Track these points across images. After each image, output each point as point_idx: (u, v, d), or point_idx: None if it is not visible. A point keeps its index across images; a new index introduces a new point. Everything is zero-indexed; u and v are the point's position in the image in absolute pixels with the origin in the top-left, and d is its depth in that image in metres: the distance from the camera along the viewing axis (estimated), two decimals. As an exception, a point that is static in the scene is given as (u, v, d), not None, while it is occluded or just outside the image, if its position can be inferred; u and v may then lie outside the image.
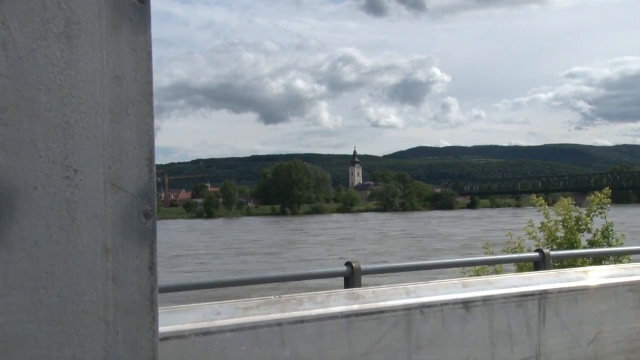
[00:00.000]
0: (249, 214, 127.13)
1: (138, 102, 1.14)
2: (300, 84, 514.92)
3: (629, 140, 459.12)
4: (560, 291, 1.42)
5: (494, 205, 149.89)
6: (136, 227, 1.15)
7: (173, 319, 1.86)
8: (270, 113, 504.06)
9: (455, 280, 1.45)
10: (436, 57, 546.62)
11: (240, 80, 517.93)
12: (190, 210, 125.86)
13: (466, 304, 1.37)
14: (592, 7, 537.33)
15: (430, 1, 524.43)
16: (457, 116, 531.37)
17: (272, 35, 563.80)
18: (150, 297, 1.16)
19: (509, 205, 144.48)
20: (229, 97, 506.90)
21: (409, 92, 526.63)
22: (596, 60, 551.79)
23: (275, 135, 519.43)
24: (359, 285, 4.68)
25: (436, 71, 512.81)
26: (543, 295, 1.41)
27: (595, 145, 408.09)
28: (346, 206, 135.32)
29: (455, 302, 1.32)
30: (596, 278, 1.47)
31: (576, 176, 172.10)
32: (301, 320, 1.69)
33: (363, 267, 4.83)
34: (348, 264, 4.75)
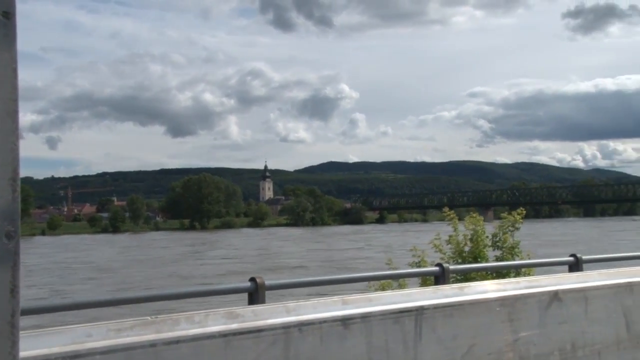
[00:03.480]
0: (157, 228, 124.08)
1: (1, 120, 1.08)
2: (208, 97, 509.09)
3: (525, 158, 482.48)
4: (436, 307, 1.43)
5: (402, 220, 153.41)
6: None
7: (39, 343, 1.73)
8: (178, 126, 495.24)
9: (335, 298, 1.44)
10: (345, 73, 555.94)
11: (146, 93, 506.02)
12: (94, 225, 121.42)
13: (345, 321, 1.33)
14: (490, 31, 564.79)
15: (338, 18, 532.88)
16: (365, 132, 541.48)
17: (183, 47, 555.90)
18: (10, 321, 1.10)
19: (416, 220, 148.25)
20: (135, 109, 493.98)
21: (318, 107, 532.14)
22: (495, 81, 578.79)
23: (184, 149, 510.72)
24: (263, 301, 4.62)
25: (345, 87, 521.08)
26: (420, 311, 1.42)
27: (496, 162, 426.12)
28: (257, 221, 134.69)
29: (334, 320, 1.32)
30: (471, 294, 1.50)
31: (479, 192, 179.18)
32: (177, 341, 1.62)
33: (267, 282, 4.78)
34: (252, 279, 4.69)
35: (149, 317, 1.72)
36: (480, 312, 1.51)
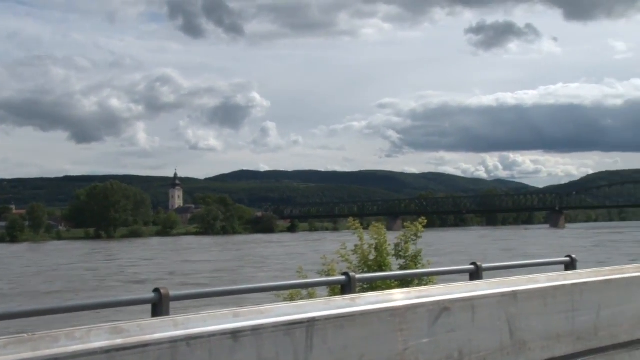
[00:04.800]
0: (59, 237, 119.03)
1: None
2: (115, 103, 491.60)
3: (432, 168, 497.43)
4: (327, 318, 1.41)
5: (313, 228, 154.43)
6: None
7: None
8: (83, 132, 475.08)
9: (225, 311, 1.41)
10: (256, 82, 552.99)
11: (48, 97, 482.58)
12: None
13: (235, 334, 1.28)
14: (399, 44, 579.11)
15: (249, 27, 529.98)
16: (276, 141, 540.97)
17: (89, 51, 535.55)
18: None
19: (327, 229, 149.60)
20: (36, 113, 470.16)
21: (228, 115, 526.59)
22: (403, 93, 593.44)
23: (89, 155, 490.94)
24: (168, 312, 4.53)
25: (256, 96, 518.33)
26: (311, 322, 1.40)
27: (404, 172, 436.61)
28: (166, 229, 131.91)
29: (223, 333, 1.29)
30: (363, 304, 1.50)
31: (388, 201, 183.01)
32: (55, 359, 1.54)
33: (172, 293, 4.69)
34: (156, 290, 4.58)
35: (25, 334, 1.62)
36: (371, 323, 1.51)
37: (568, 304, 1.92)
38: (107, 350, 1.42)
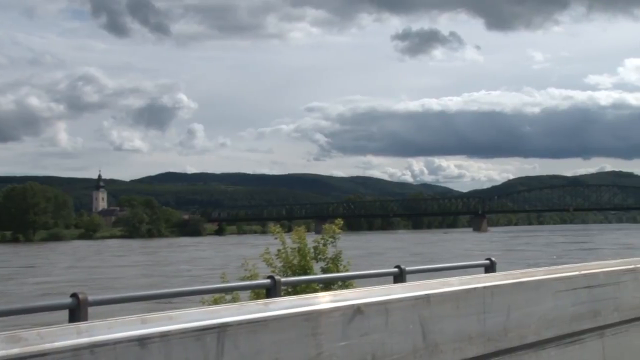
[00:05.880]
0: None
1: None
2: (34, 101, 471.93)
3: (360, 172, 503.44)
4: (240, 323, 1.40)
5: (241, 231, 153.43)
6: None
7: None
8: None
9: (133, 317, 1.37)
10: (183, 83, 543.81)
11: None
12: None
13: (142, 340, 1.26)
14: (327, 48, 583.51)
15: (175, 27, 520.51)
16: (203, 143, 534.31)
17: (5, 47, 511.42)
18: None
19: (255, 232, 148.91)
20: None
21: (154, 116, 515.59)
22: (332, 97, 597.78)
23: (6, 156, 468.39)
24: (86, 318, 4.39)
25: (183, 97, 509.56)
26: (222, 328, 1.38)
27: (333, 175, 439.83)
28: (89, 232, 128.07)
29: (130, 340, 1.24)
30: (276, 309, 1.49)
31: (316, 204, 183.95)
32: None
33: (91, 298, 4.57)
34: (74, 295, 4.45)
35: None
36: (284, 328, 1.50)
37: (480, 307, 1.97)
38: None
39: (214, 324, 1.38)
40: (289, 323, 1.46)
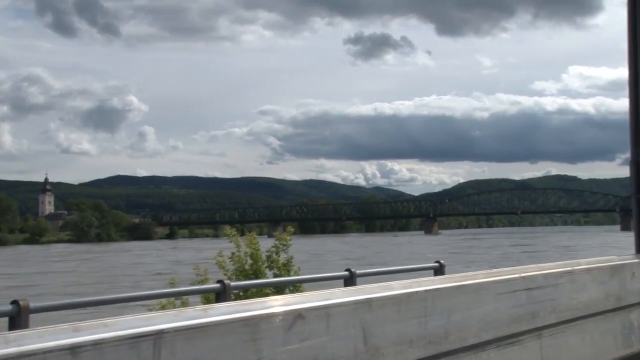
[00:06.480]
0: None
1: None
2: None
3: (313, 176, 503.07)
4: (177, 330, 1.37)
5: (193, 235, 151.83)
6: None
7: None
8: None
9: (65, 325, 1.34)
10: (133, 85, 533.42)
11: None
12: None
13: (74, 349, 1.25)
14: (279, 51, 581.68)
15: (125, 28, 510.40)
16: (154, 146, 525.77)
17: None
18: None
19: (207, 236, 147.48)
20: None
21: (103, 118, 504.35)
22: (284, 100, 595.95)
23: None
24: (27, 326, 4.28)
25: (133, 99, 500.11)
26: (159, 335, 1.36)
27: (286, 179, 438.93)
28: (35, 237, 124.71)
29: (61, 349, 1.19)
30: (215, 315, 1.47)
31: (270, 208, 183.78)
32: None
33: (32, 305, 4.46)
34: (14, 302, 4.34)
35: None
36: (223, 334, 1.48)
37: (421, 310, 1.98)
38: None
39: (150, 331, 1.35)
40: (228, 329, 1.45)
